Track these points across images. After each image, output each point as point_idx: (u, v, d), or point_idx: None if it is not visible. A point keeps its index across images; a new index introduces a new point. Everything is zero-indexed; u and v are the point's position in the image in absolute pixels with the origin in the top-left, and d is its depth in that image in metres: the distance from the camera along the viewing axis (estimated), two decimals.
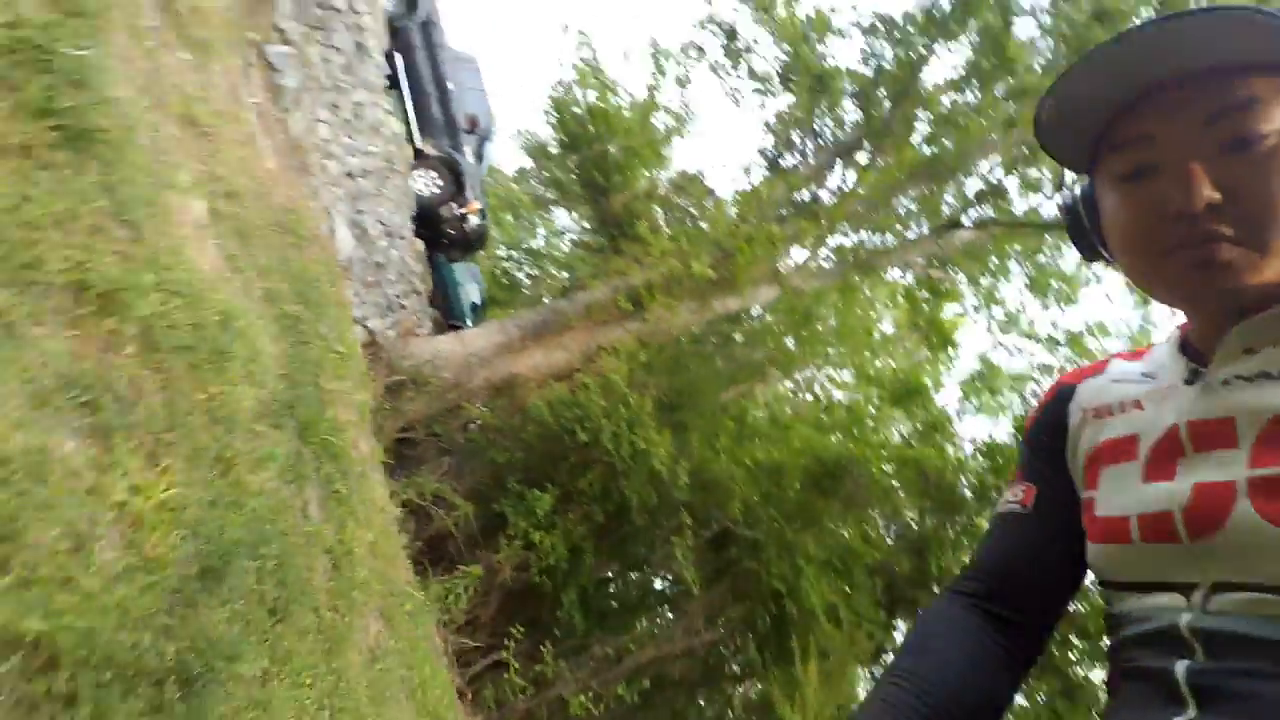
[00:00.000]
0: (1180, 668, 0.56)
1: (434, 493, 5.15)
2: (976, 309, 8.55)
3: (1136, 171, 0.63)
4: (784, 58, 8.17)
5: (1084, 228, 0.72)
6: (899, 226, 7.89)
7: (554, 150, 9.14)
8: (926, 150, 7.76)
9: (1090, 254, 0.73)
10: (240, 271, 2.79)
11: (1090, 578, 0.76)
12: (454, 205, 7.59)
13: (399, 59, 7.35)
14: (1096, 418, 0.73)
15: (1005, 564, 0.78)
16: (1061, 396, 0.79)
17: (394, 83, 7.19)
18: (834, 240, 7.74)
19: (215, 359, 2.20)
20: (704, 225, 7.31)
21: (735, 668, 5.87)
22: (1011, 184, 7.87)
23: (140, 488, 1.71)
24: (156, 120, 2.28)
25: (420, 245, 7.47)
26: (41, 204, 1.51)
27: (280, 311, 3.09)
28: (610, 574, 6.41)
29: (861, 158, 8.04)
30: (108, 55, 1.96)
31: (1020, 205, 7.90)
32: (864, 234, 7.94)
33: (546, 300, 7.93)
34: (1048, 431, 0.78)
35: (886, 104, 7.61)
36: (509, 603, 5.10)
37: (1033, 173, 7.87)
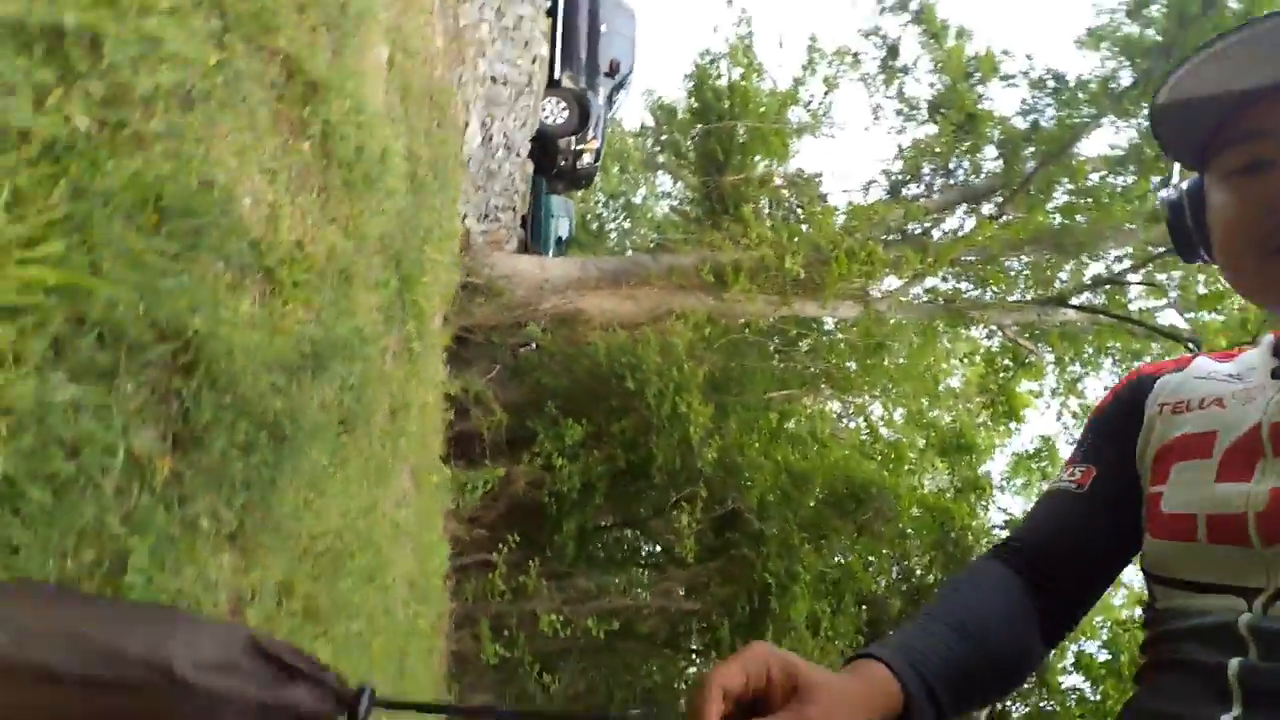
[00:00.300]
0: (1234, 664, 0.55)
1: (477, 393, 5.42)
2: (1054, 393, 8.31)
3: (1251, 166, 0.62)
4: (939, 88, 8.03)
5: (1186, 224, 0.71)
6: (1003, 286, 7.71)
7: (681, 116, 9.21)
8: (1058, 219, 7.53)
9: (1189, 253, 0.73)
10: (395, 121, 3.01)
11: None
12: (573, 140, 7.79)
13: None
14: (1174, 412, 0.71)
15: (1049, 539, 0.77)
16: (1140, 386, 0.77)
17: (553, 9, 7.37)
18: (932, 280, 7.64)
19: (364, 184, 2.42)
20: (808, 226, 7.31)
21: (699, 644, 6.00)
22: (1130, 280, 7.59)
23: (286, 262, 1.92)
24: None
25: (530, 167, 7.71)
26: None
27: (413, 170, 3.31)
28: (610, 524, 6.61)
29: (987, 208, 7.87)
30: None
31: (1136, 305, 7.62)
32: (965, 283, 7.80)
33: (630, 253, 8.07)
34: (1120, 419, 0.77)
35: (1031, 162, 7.42)
36: (513, 513, 5.34)
37: (1161, 277, 7.57)
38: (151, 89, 1.38)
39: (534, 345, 6.18)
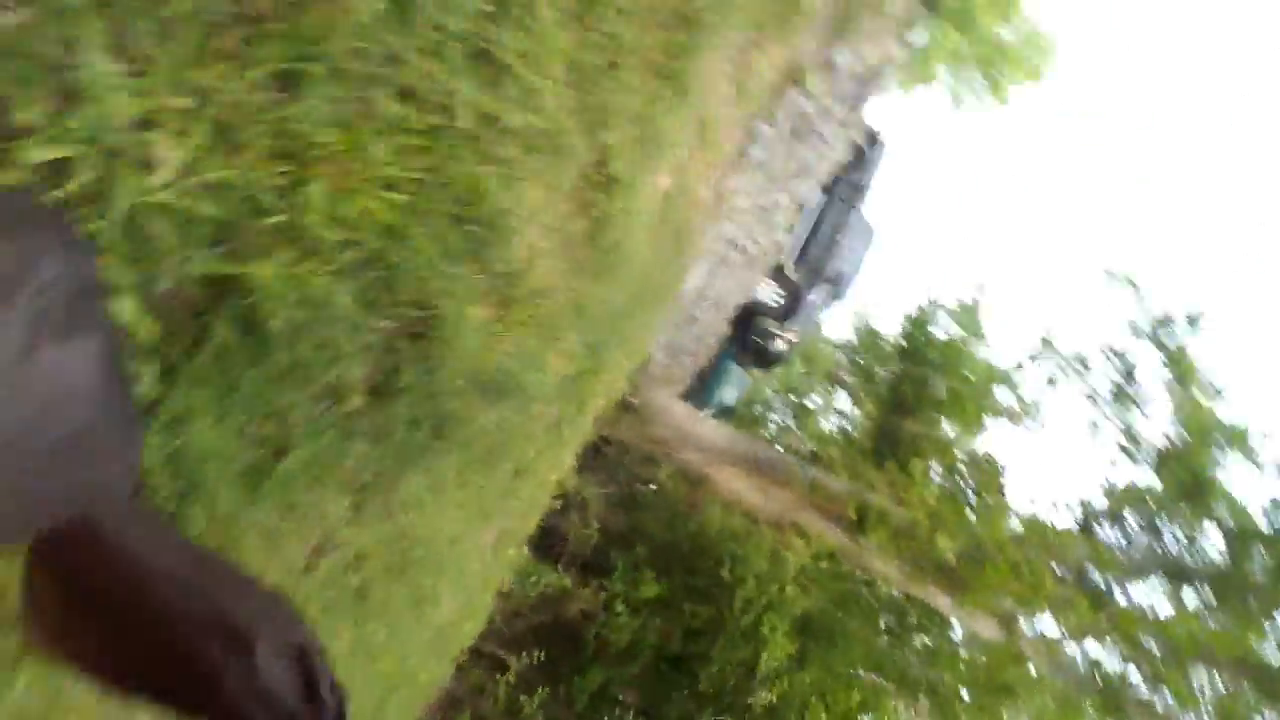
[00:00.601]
0: None
1: (585, 499, 5.51)
2: None
3: None
4: (1173, 439, 7.44)
5: None
6: (1181, 699, 6.48)
7: (886, 348, 9.37)
8: (1272, 650, 6.34)
9: None
10: (648, 235, 3.46)
11: None
12: (775, 324, 8.24)
13: (821, 192, 8.34)
14: None
15: None
16: None
17: (803, 205, 8.14)
18: (1097, 646, 6.64)
19: (606, 272, 2.79)
20: (975, 515, 6.83)
21: None
22: None
23: (521, 300, 2.24)
24: (706, 99, 3.05)
25: (725, 331, 8.20)
26: (627, 90, 2.18)
27: (642, 282, 3.72)
28: (632, 704, 6.08)
29: (1191, 594, 6.86)
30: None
31: None
32: (1135, 668, 6.67)
33: (781, 449, 8.02)
34: None
35: (1260, 570, 6.45)
36: (553, 630, 5.15)
37: None
38: (514, 125, 1.79)
39: (653, 485, 6.23)
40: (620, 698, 5.96)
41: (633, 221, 2.84)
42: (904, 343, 8.84)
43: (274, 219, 1.20)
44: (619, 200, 2.52)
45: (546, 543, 5.27)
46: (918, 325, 8.80)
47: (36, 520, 0.58)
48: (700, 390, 8.19)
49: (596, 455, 5.98)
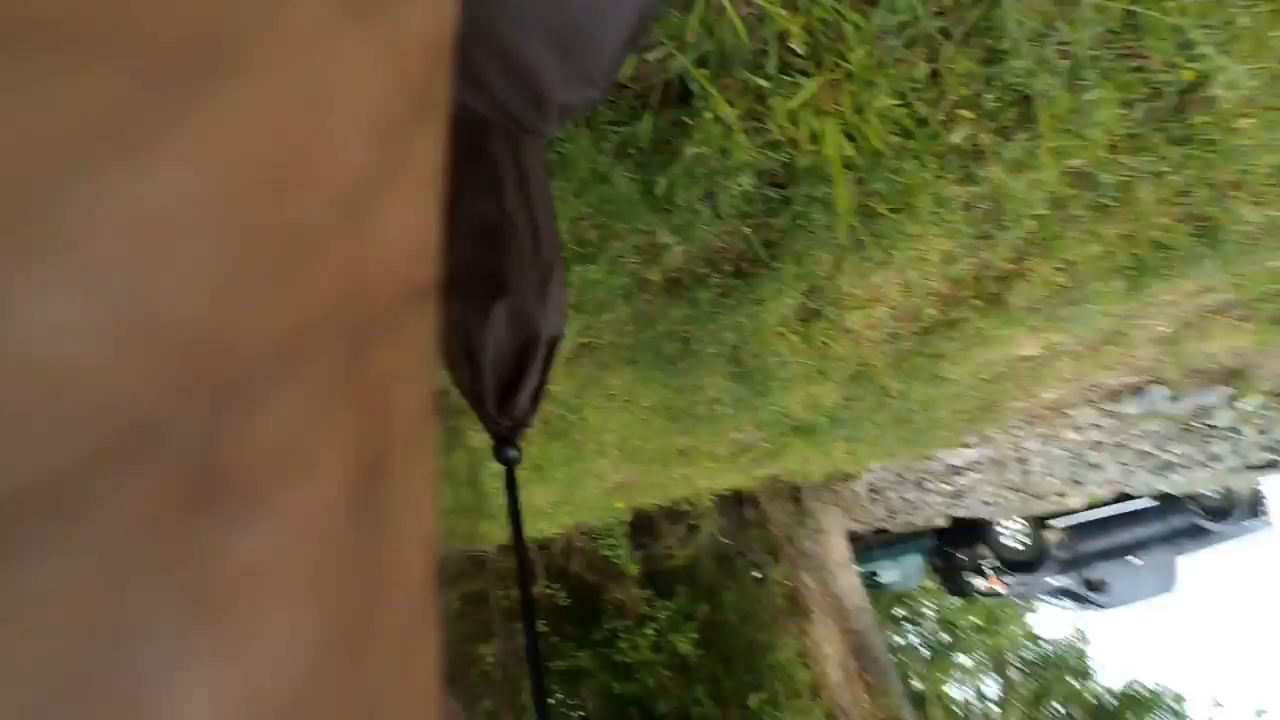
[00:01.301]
0: None
1: (698, 525, 5.43)
2: None
3: None
4: None
5: None
6: None
7: (1082, 684, 7.83)
8: None
9: None
10: (970, 379, 3.15)
11: None
12: (995, 563, 7.27)
13: (1156, 500, 7.08)
14: None
15: None
16: None
17: (1133, 497, 6.97)
18: None
19: (910, 368, 2.59)
20: None
21: None
22: None
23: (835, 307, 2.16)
24: (1137, 318, 2.64)
25: (939, 523, 7.39)
26: (1090, 241, 1.93)
27: (919, 408, 3.41)
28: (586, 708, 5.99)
29: None
30: None
31: None
32: None
33: (893, 664, 7.19)
34: None
35: None
36: (588, 594, 5.18)
37: None
38: (988, 175, 1.68)
39: (759, 574, 5.92)
40: (582, 697, 5.87)
41: (971, 354, 2.60)
42: (1109, 704, 7.33)
43: (758, 79, 1.24)
44: (984, 323, 2.31)
45: (641, 527, 5.27)
46: (1135, 704, 7.23)
47: None
48: (870, 547, 7.50)
49: (738, 505, 5.81)
